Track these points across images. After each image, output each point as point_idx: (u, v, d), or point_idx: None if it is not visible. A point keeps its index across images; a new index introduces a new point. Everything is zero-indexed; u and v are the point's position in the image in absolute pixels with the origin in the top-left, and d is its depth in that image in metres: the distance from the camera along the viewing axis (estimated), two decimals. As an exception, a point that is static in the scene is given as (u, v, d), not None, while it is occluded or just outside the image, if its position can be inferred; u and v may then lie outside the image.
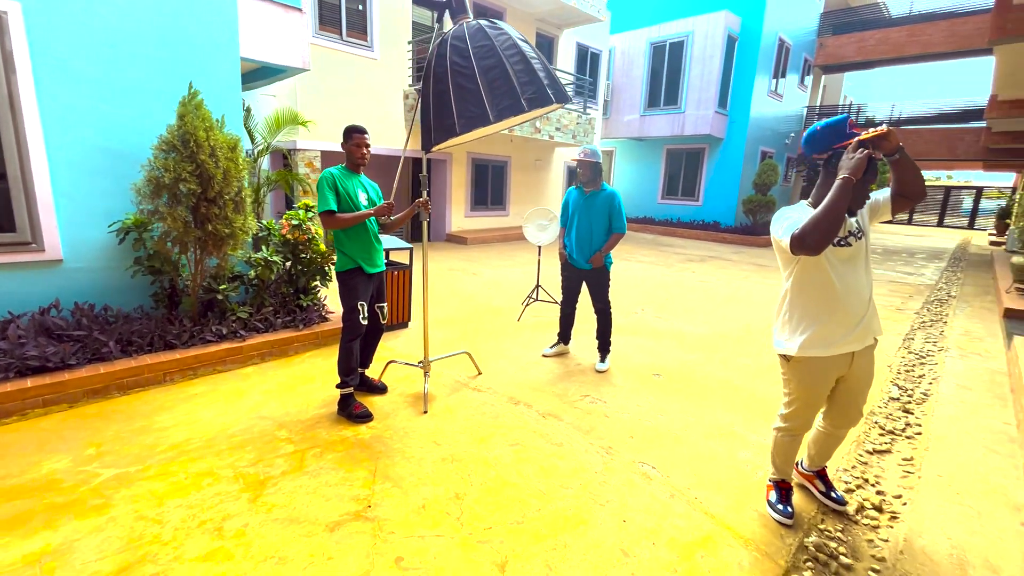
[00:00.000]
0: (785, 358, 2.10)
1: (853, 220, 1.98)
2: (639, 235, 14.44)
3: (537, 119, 10.58)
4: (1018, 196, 8.81)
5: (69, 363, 3.11)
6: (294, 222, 4.15)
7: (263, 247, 4.12)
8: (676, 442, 2.90)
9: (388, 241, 4.50)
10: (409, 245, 4.73)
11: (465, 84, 2.59)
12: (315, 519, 2.15)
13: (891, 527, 2.25)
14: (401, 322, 4.76)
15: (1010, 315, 6.03)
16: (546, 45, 12.33)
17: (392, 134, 9.42)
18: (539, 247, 5.40)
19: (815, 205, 1.99)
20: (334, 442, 2.77)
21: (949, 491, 2.53)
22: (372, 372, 3.49)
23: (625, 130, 15.54)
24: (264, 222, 4.27)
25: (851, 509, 2.34)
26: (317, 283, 4.45)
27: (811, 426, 2.20)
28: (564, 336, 4.24)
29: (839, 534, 2.19)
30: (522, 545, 2.03)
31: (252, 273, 4.07)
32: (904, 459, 2.84)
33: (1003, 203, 19.34)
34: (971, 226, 26.06)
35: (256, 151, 6.04)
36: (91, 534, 2.01)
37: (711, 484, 2.49)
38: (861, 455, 2.86)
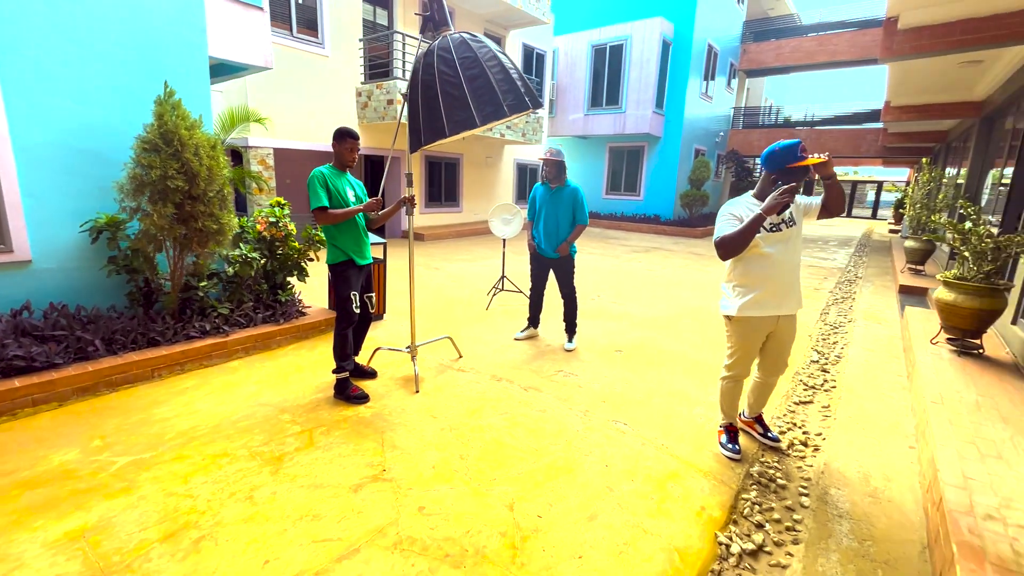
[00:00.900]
0: (728, 318, 2.59)
1: (788, 211, 2.47)
2: (587, 229, 15.10)
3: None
4: (910, 189, 10.16)
5: (55, 362, 3.11)
6: (271, 219, 4.24)
7: (240, 244, 4.19)
8: (641, 404, 3.35)
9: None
10: (383, 240, 4.92)
11: (452, 92, 2.88)
12: (337, 483, 2.39)
13: (814, 456, 2.80)
14: (377, 314, 4.95)
15: (904, 291, 7.06)
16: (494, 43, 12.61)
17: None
18: (504, 240, 5.74)
19: (759, 197, 2.47)
20: (337, 421, 2.99)
21: (857, 428, 3.14)
22: (361, 359, 3.70)
23: (570, 128, 16.16)
24: (238, 219, 4.33)
25: (784, 445, 2.87)
26: (293, 279, 4.56)
27: (748, 373, 2.70)
28: (534, 320, 4.62)
29: (776, 464, 2.70)
30: (524, 490, 2.38)
31: (230, 270, 4.14)
32: (823, 407, 3.45)
33: (899, 195, 21.80)
34: (874, 216, 29.07)
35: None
36: (125, 511, 2.16)
37: (674, 434, 2.95)
38: (790, 406, 3.44)
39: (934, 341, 4.06)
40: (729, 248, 2.43)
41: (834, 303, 6.57)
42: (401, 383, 3.55)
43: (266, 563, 1.90)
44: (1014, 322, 4.14)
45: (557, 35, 15.60)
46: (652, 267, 8.84)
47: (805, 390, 3.72)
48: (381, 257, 4.97)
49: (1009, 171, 5.93)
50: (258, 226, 4.26)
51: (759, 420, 2.94)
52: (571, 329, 4.42)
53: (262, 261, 4.27)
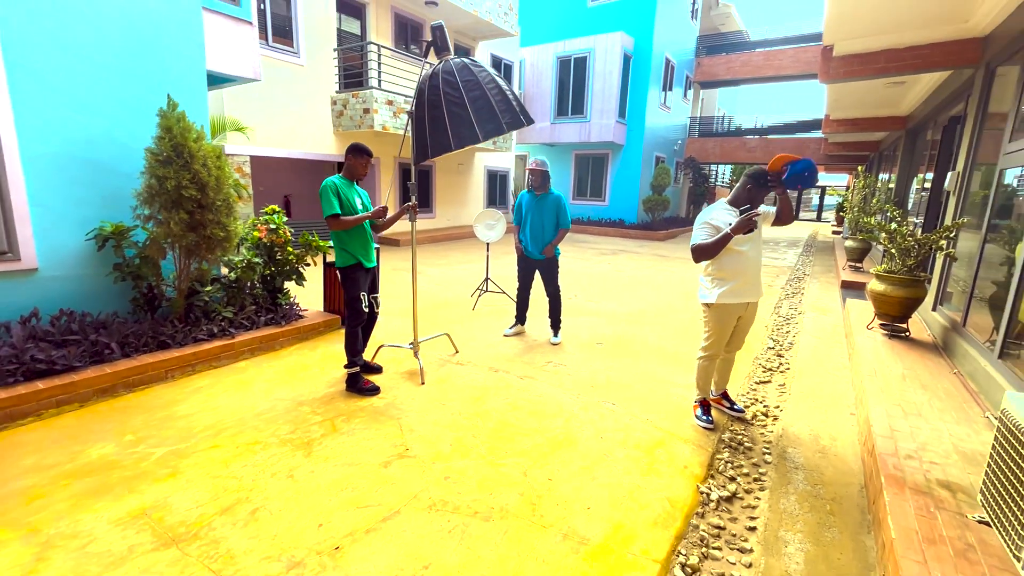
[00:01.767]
0: (707, 305, 3.03)
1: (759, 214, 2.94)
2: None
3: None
4: (849, 194, 11.15)
5: (74, 365, 3.23)
6: (271, 226, 4.44)
7: (242, 250, 4.36)
8: (625, 387, 3.76)
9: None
10: (376, 245, 5.16)
11: (457, 110, 3.22)
12: (367, 462, 2.67)
13: (774, 424, 3.28)
14: (370, 316, 5.19)
15: (845, 285, 7.84)
16: (463, 54, 12.98)
17: (320, 139, 9.53)
18: (487, 244, 6.09)
19: (734, 204, 2.93)
20: (354, 411, 3.25)
21: (808, 400, 3.65)
22: (366, 355, 3.95)
23: (537, 136, 16.68)
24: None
25: (748, 416, 3.34)
26: (291, 283, 4.75)
27: (721, 353, 3.15)
28: (521, 318, 4.98)
29: (743, 431, 3.16)
30: (533, 460, 2.73)
31: (232, 275, 4.31)
32: (779, 385, 3.96)
33: (840, 200, 23.49)
34: (819, 219, 31.04)
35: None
36: (177, 492, 2.37)
37: (657, 411, 3.37)
38: (752, 386, 3.93)
39: (869, 327, 4.68)
40: (702, 255, 2.93)
41: (786, 298, 7.24)
42: (406, 376, 3.83)
43: (320, 526, 2.17)
44: (934, 309, 4.82)
45: (523, 46, 16.12)
46: (621, 268, 9.37)
47: (764, 372, 4.23)
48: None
49: (930, 176, 6.75)
50: (257, 232, 4.44)
51: (725, 396, 3.40)
52: (556, 325, 4.80)
53: (262, 266, 4.45)
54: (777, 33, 19.46)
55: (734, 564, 2.06)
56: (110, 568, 1.90)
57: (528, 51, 16.16)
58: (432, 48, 3.45)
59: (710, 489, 2.53)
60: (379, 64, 9.21)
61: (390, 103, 9.32)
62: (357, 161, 3.47)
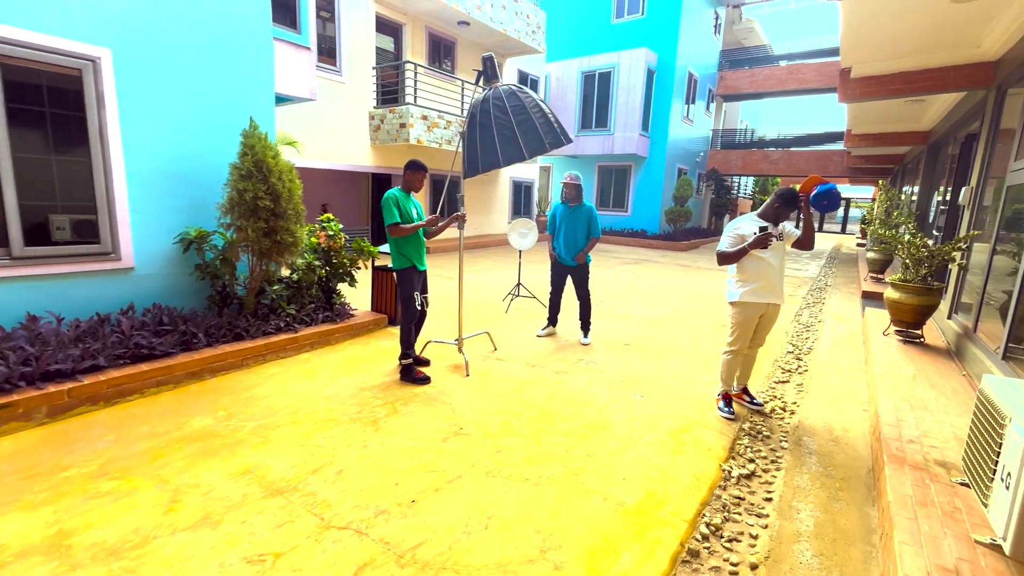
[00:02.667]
0: (732, 303, 3.37)
1: (778, 232, 3.28)
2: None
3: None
4: (874, 206, 11.27)
5: (170, 351, 3.72)
6: (329, 232, 4.92)
7: (304, 254, 4.84)
8: (652, 382, 4.09)
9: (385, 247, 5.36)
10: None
11: (505, 132, 3.64)
12: (427, 437, 3.07)
13: (791, 417, 3.58)
14: (413, 316, 5.63)
15: (866, 295, 8.01)
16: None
17: (358, 152, 10.11)
18: (520, 251, 6.49)
19: (761, 216, 3.28)
20: (410, 397, 3.66)
21: (823, 398, 3.94)
22: (415, 349, 4.36)
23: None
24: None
25: (767, 410, 3.64)
26: (344, 285, 5.22)
27: (745, 349, 3.47)
28: (553, 320, 5.35)
29: (762, 423, 3.47)
30: (573, 441, 3.09)
31: (294, 276, 4.79)
32: (798, 384, 4.25)
33: (864, 212, 23.32)
34: (843, 231, 30.71)
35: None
36: (272, 456, 2.80)
37: (682, 402, 3.70)
38: (771, 385, 4.23)
39: (885, 333, 4.92)
40: (724, 260, 3.34)
41: (806, 307, 7.47)
42: (451, 369, 4.23)
43: (396, 484, 2.57)
44: (949, 317, 5.04)
45: (549, 61, 16.63)
46: (644, 276, 9.68)
47: (783, 373, 4.52)
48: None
49: (950, 190, 6.94)
50: (315, 238, 4.92)
51: (746, 391, 3.71)
52: (586, 326, 5.16)
53: (320, 269, 4.93)
54: (800, 47, 19.65)
55: (751, 526, 2.39)
56: (232, 510, 2.33)
57: (553, 66, 16.67)
58: (483, 76, 3.88)
59: (731, 468, 2.86)
60: (415, 81, 9.77)
61: (424, 118, 9.86)
62: (415, 176, 3.91)
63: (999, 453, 1.70)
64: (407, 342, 3.95)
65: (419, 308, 4.00)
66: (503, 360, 4.50)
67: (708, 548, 2.23)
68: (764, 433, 3.31)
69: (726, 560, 2.15)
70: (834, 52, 17.54)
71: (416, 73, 9.80)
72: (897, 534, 1.93)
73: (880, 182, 10.82)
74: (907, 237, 4.76)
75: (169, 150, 4.22)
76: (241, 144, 4.20)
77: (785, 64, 18.93)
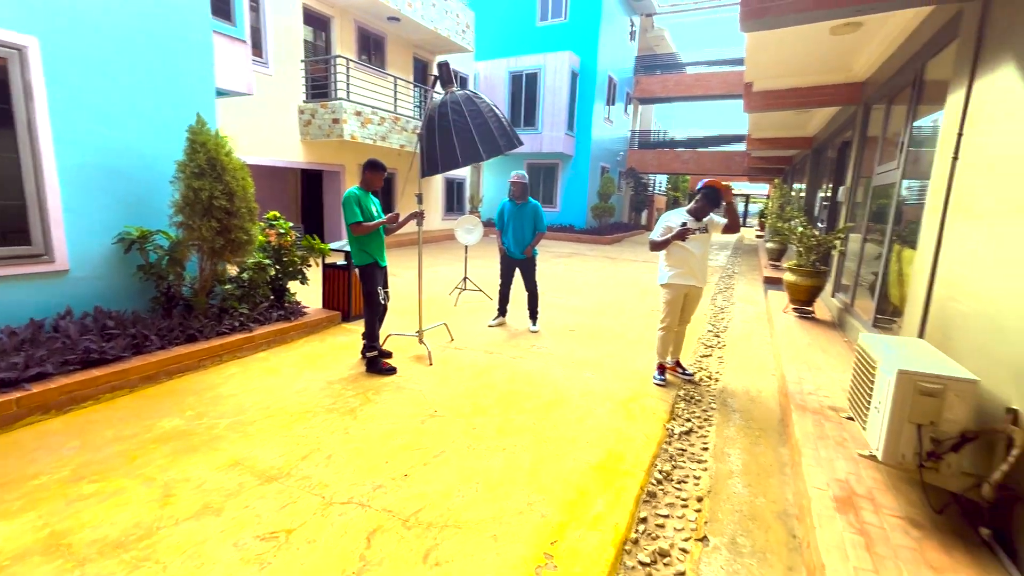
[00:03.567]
0: (662, 285, 3.90)
1: (703, 223, 3.82)
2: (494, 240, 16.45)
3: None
4: (769, 202, 12.75)
5: (121, 355, 3.60)
6: (280, 231, 4.89)
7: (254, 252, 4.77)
8: (598, 362, 4.56)
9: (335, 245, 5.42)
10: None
11: (464, 134, 3.90)
12: (405, 421, 3.28)
13: (716, 384, 4.19)
14: (358, 314, 5.70)
15: (767, 281, 9.16)
16: (421, 68, 13.56)
17: (287, 146, 9.78)
18: (466, 247, 6.74)
19: (690, 212, 3.81)
20: (380, 387, 3.83)
21: (740, 367, 4.62)
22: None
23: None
24: (247, 231, 4.90)
25: (696, 380, 4.23)
26: (296, 283, 5.20)
27: (675, 325, 4.01)
28: (503, 310, 5.69)
29: (694, 389, 4.04)
30: (537, 415, 3.45)
31: (244, 276, 4.72)
32: (719, 357, 4.92)
33: (761, 207, 26.00)
34: (744, 224, 33.90)
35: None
36: (256, 448, 2.89)
37: (627, 377, 4.20)
38: (698, 359, 4.86)
39: (784, 310, 5.79)
40: (654, 248, 3.86)
41: (719, 292, 8.41)
42: (414, 360, 4.43)
43: (386, 463, 2.78)
44: (833, 295, 6.02)
45: (477, 60, 16.87)
46: (577, 269, 10.30)
47: (706, 348, 5.20)
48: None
49: (829, 188, 8.14)
50: (264, 236, 4.87)
51: (679, 364, 4.29)
52: (534, 315, 5.55)
53: (272, 267, 4.89)
54: (706, 56, 21.47)
55: (694, 469, 2.88)
56: (230, 497, 2.43)
57: (482, 65, 16.94)
58: (440, 81, 4.11)
59: (673, 427, 3.36)
60: (348, 76, 9.63)
61: (358, 114, 9.75)
62: (374, 175, 4.06)
63: (872, 389, 2.27)
64: (373, 335, 4.10)
65: (384, 302, 4.15)
66: (461, 349, 4.77)
67: (662, 489, 2.68)
68: (696, 398, 3.88)
69: (678, 497, 2.61)
70: (735, 62, 19.41)
71: (348, 68, 9.65)
72: (804, 460, 2.49)
73: (776, 180, 12.27)
74: (800, 229, 5.63)
75: (104, 144, 4.02)
76: (188, 140, 4.10)
77: (692, 72, 20.62)
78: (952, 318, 2.61)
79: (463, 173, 16.05)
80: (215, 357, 4.11)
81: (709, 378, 4.33)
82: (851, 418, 2.64)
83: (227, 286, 4.50)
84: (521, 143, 4.21)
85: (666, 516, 2.46)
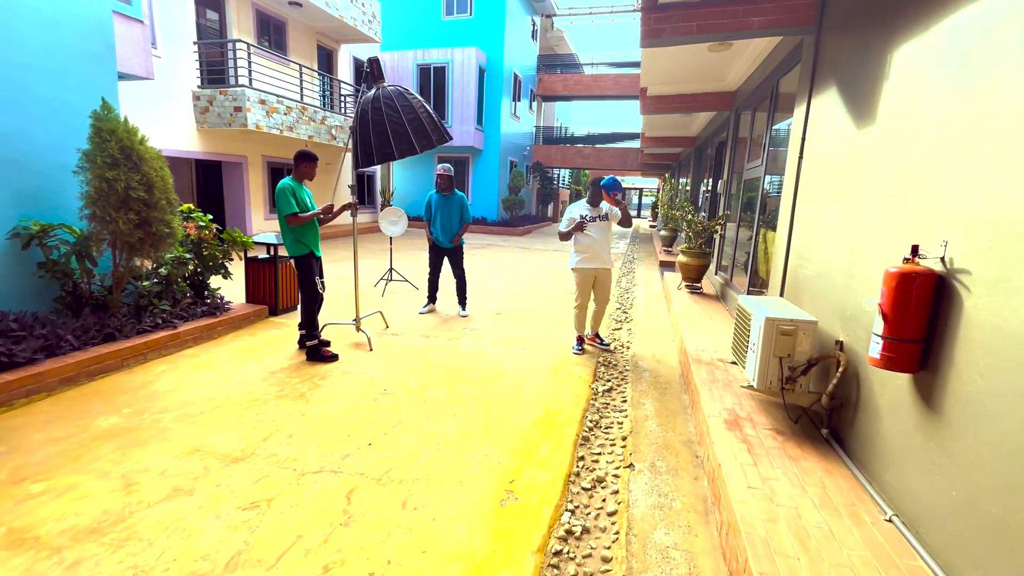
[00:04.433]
0: (572, 269, 4.45)
1: (603, 211, 4.39)
2: (417, 231, 16.49)
3: (333, 128, 11.52)
4: (660, 195, 14.15)
5: (34, 358, 3.35)
6: (199, 223, 4.71)
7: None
8: (527, 338, 5.03)
9: (270, 239, 5.34)
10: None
11: (397, 128, 4.10)
12: (358, 400, 3.48)
13: (628, 351, 4.85)
14: (293, 305, 5.64)
15: (662, 264, 10.31)
16: (325, 57, 13.09)
17: (179, 135, 9.06)
18: (391, 238, 6.86)
19: (589, 201, 4.35)
20: (325, 372, 3.95)
21: (646, 337, 5.35)
22: (313, 334, 4.55)
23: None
24: (160, 225, 4.65)
25: (612, 348, 4.86)
26: (218, 278, 5.03)
27: (587, 305, 4.59)
28: (432, 297, 5.94)
29: (610, 357, 4.65)
30: (480, 386, 3.81)
31: (163, 271, 4.50)
32: (628, 330, 5.63)
33: (654, 199, 28.43)
34: (638, 215, 36.69)
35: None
36: (212, 435, 2.93)
37: (553, 350, 4.70)
38: (611, 332, 5.52)
39: (679, 288, 6.70)
40: (562, 238, 4.45)
41: (623, 276, 9.34)
42: (354, 347, 4.57)
43: (348, 436, 2.98)
44: (716, 273, 7.06)
45: (384, 50, 16.57)
46: (493, 259, 10.76)
47: (616, 323, 5.89)
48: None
49: (710, 182, 9.38)
50: (186, 230, 4.67)
51: (597, 336, 4.89)
52: (463, 300, 5.88)
53: (192, 262, 4.70)
54: (601, 59, 22.95)
55: (617, 417, 3.43)
56: (199, 479, 2.51)
57: (388, 56, 16.67)
58: (369, 76, 4.26)
59: (597, 387, 3.91)
60: (249, 63, 9.12)
61: (263, 102, 9.29)
62: (309, 166, 4.12)
63: (748, 335, 2.95)
64: (313, 323, 4.18)
65: (322, 292, 4.24)
66: (398, 335, 4.97)
67: (594, 435, 3.19)
68: (612, 363, 4.49)
69: (607, 439, 3.14)
70: (628, 65, 21.01)
71: (250, 53, 9.14)
72: (702, 398, 3.12)
73: (667, 175, 13.66)
74: (689, 217, 6.55)
75: (-9, 131, 3.65)
76: (92, 127, 3.85)
77: (590, 73, 21.95)
78: (800, 279, 3.41)
79: (373, 166, 15.75)
80: (139, 356, 3.93)
81: (622, 346, 4.98)
82: (735, 363, 3.34)
83: (144, 283, 4.28)
84: (451, 138, 4.51)
85: (599, 454, 2.97)
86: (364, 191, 15.33)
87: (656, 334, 5.44)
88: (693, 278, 6.47)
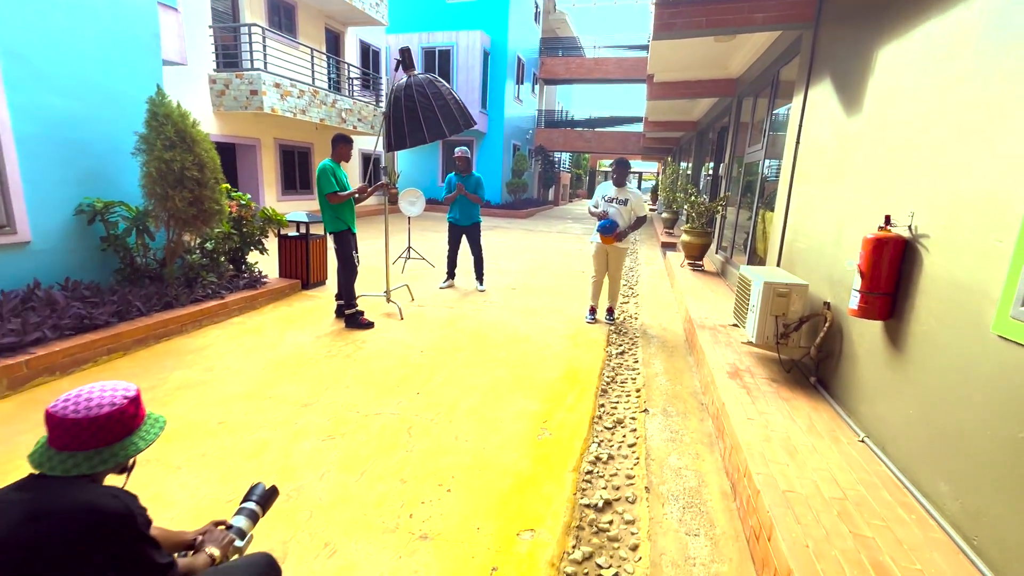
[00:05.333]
0: (592, 243, 4.84)
1: (624, 197, 4.76)
2: (430, 214, 16.76)
3: (343, 112, 11.76)
4: (660, 179, 14.47)
5: (110, 321, 3.75)
6: (242, 202, 5.07)
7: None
8: (543, 310, 5.45)
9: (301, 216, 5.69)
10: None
11: (428, 113, 4.45)
12: (399, 359, 3.89)
13: (636, 322, 5.28)
14: (322, 280, 6.03)
15: (664, 245, 10.71)
16: (332, 40, 13.24)
17: (198, 117, 9.29)
18: (409, 217, 7.22)
19: (615, 183, 4.73)
20: (365, 337, 4.36)
21: (652, 309, 5.77)
22: (348, 304, 4.95)
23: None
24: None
25: (620, 320, 5.28)
26: (257, 253, 5.40)
27: (602, 280, 5.00)
28: (451, 273, 6.34)
29: (621, 326, 5.08)
30: (506, 348, 4.24)
31: (210, 245, 4.87)
32: (635, 303, 6.05)
33: (654, 183, 28.69)
34: (638, 200, 36.94)
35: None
36: (279, 388, 3.34)
37: (568, 320, 5.12)
38: (620, 306, 5.95)
39: (682, 265, 7.11)
40: (592, 214, 4.72)
41: (627, 256, 9.75)
42: (386, 317, 4.97)
43: (397, 387, 3.40)
44: (716, 252, 7.47)
45: (389, 33, 16.65)
46: (500, 239, 11.13)
47: (624, 298, 6.32)
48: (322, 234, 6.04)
49: (711, 165, 9.74)
50: (231, 208, 5.02)
51: (610, 311, 5.30)
52: (480, 276, 6.28)
53: (235, 238, 5.07)
54: (603, 41, 23.04)
55: (631, 374, 3.87)
56: (280, 419, 2.92)
57: (394, 38, 16.75)
58: (401, 65, 4.59)
59: (611, 350, 4.34)
60: (264, 46, 9.34)
61: (277, 86, 9.54)
62: (347, 148, 4.48)
63: (749, 298, 3.37)
64: (351, 294, 4.58)
65: (359, 264, 4.63)
66: (423, 307, 5.38)
67: (611, 388, 3.63)
68: (624, 331, 4.91)
69: (623, 391, 3.57)
70: (631, 47, 21.12)
71: (265, 37, 9.36)
72: (707, 355, 3.55)
73: (668, 159, 13.97)
74: (692, 198, 6.93)
75: (58, 115, 4.00)
76: (148, 112, 4.18)
77: (592, 56, 22.05)
78: (795, 252, 3.82)
79: (378, 148, 15.96)
80: (195, 322, 4.33)
81: (631, 317, 5.41)
82: (736, 325, 3.76)
83: (193, 256, 4.65)
84: (475, 123, 4.86)
85: (617, 402, 3.41)
86: (368, 171, 15.55)
87: (661, 306, 5.87)
88: (695, 256, 6.88)
